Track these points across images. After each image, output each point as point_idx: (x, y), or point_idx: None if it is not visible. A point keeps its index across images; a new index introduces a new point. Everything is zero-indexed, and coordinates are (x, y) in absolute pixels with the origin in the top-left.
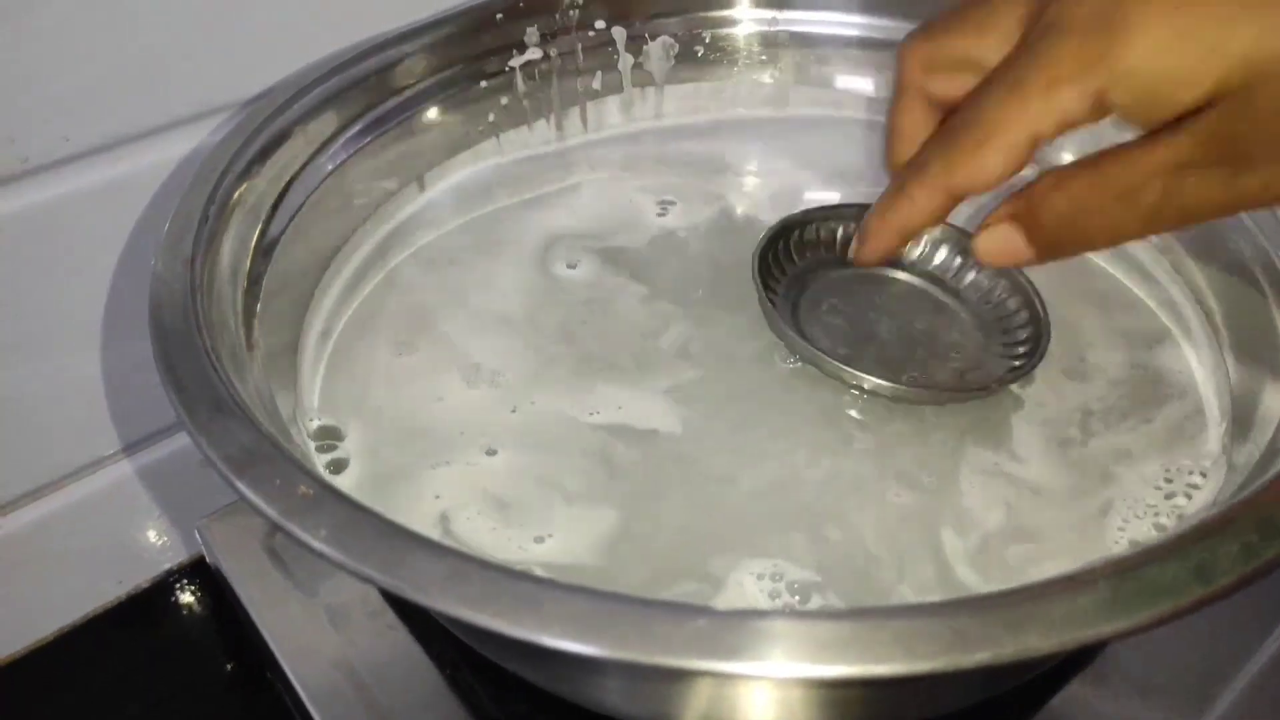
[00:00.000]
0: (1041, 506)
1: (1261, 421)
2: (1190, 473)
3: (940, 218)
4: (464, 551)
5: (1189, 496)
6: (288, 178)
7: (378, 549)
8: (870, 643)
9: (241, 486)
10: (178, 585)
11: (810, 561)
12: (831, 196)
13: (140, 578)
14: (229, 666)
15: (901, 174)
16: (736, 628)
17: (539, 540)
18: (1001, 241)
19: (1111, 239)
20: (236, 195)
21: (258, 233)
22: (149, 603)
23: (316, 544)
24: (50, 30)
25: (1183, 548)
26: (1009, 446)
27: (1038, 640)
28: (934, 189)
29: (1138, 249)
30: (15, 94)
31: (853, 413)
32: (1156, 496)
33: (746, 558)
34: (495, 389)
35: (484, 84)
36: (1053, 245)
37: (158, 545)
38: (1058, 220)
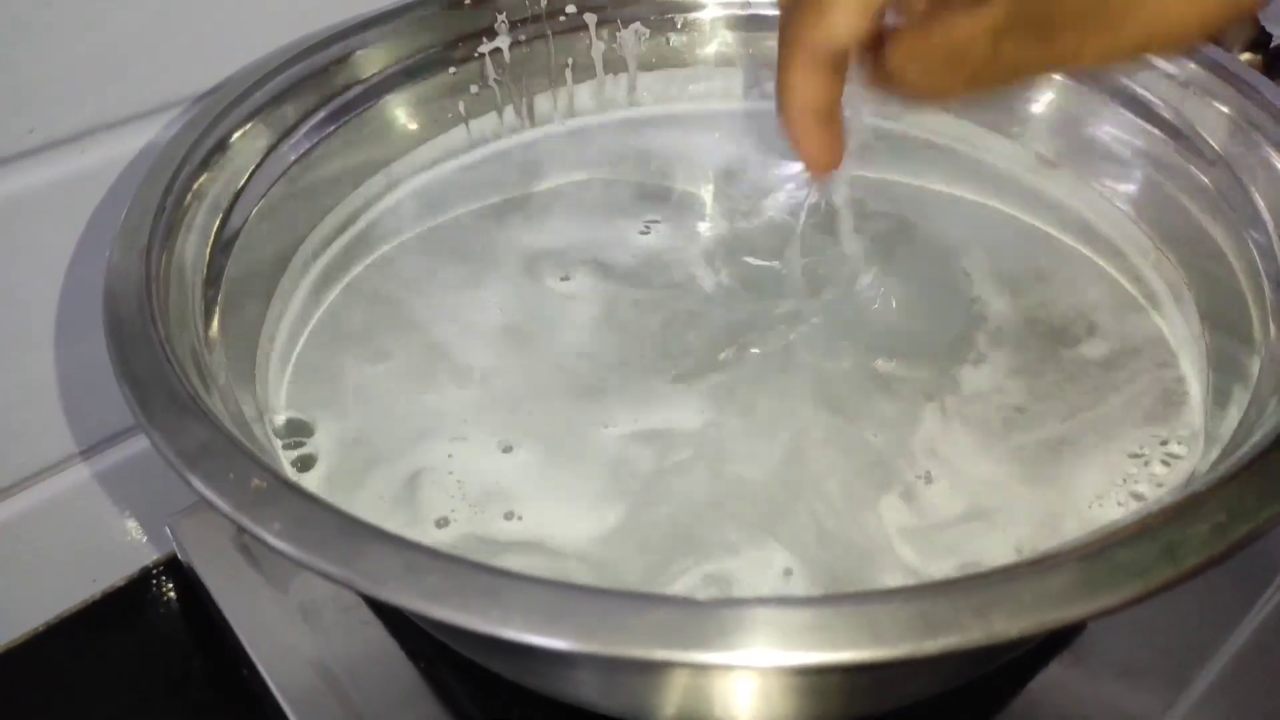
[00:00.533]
0: (1014, 479)
1: (1238, 393)
2: (1165, 442)
3: (834, 89)
4: (422, 544)
5: (1167, 465)
6: (249, 168)
7: (334, 542)
8: (838, 629)
9: (194, 481)
10: (154, 583)
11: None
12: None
13: (115, 576)
14: (205, 664)
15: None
16: (699, 616)
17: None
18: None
19: (938, 96)
20: (196, 186)
21: (218, 224)
22: (124, 601)
23: (271, 538)
24: (13, 22)
25: (1152, 529)
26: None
27: (1005, 624)
28: (801, 60)
29: (1107, 224)
30: None
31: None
32: (1135, 465)
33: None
34: (467, 384)
35: (453, 70)
36: (886, 89)
37: (132, 543)
38: (890, 73)
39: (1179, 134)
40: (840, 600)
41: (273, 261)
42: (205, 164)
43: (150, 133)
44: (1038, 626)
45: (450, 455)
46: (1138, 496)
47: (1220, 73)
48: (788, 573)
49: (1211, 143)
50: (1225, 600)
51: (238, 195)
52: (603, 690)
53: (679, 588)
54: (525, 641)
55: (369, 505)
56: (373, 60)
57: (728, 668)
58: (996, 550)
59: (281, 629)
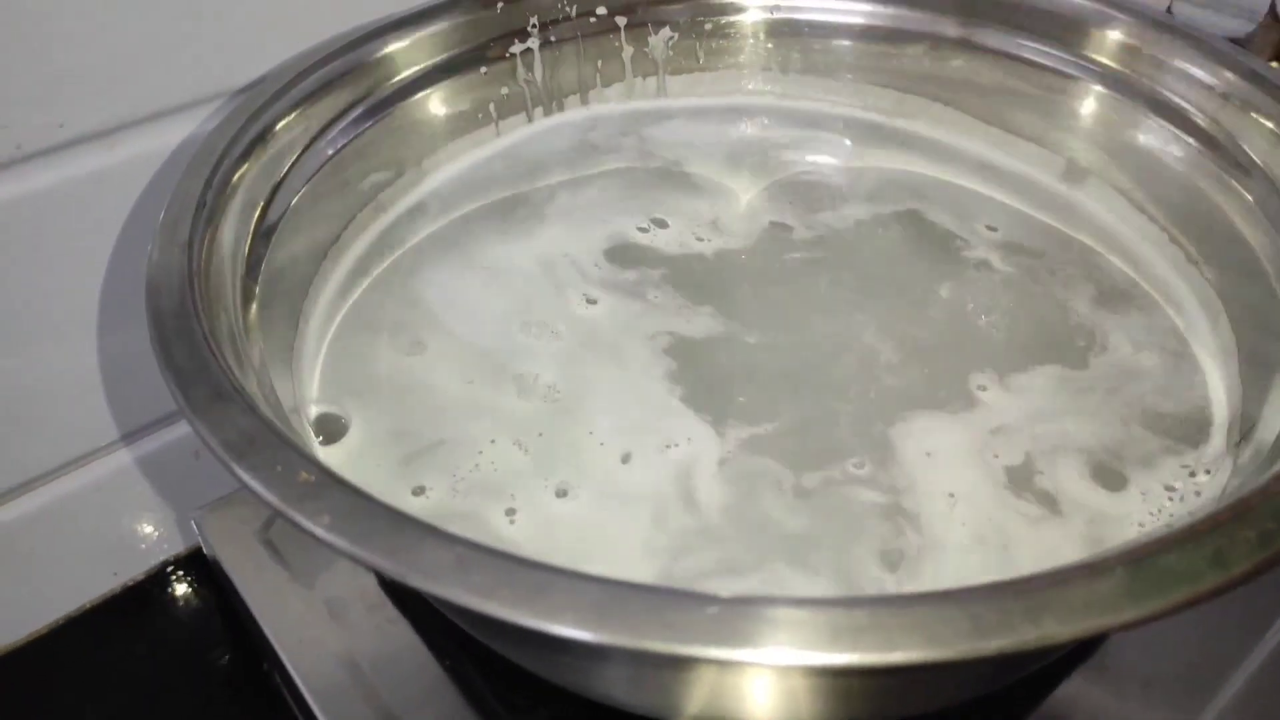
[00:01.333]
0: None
1: (1266, 421)
2: (1193, 474)
3: None
4: (471, 540)
5: (1198, 494)
6: (287, 162)
7: (383, 536)
8: (887, 629)
9: (241, 472)
10: (174, 577)
11: None
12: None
13: (136, 569)
14: (226, 658)
15: None
16: (748, 614)
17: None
18: None
19: None
20: (235, 179)
21: (256, 217)
22: (145, 594)
23: (320, 531)
24: (43, 16)
25: (1199, 535)
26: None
27: (1056, 626)
28: None
29: (1145, 244)
30: (7, 80)
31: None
32: (1158, 490)
33: None
34: (501, 382)
35: (484, 70)
36: None
37: (154, 536)
38: None
39: (1215, 144)
40: (889, 602)
41: (308, 254)
42: (244, 157)
43: (178, 128)
44: (1084, 632)
45: (481, 452)
46: (1168, 518)
47: (1258, 82)
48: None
49: (1250, 153)
50: (1248, 614)
51: (276, 189)
52: (634, 687)
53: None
54: (573, 637)
55: (401, 500)
56: (406, 58)
57: (774, 666)
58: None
59: (307, 624)
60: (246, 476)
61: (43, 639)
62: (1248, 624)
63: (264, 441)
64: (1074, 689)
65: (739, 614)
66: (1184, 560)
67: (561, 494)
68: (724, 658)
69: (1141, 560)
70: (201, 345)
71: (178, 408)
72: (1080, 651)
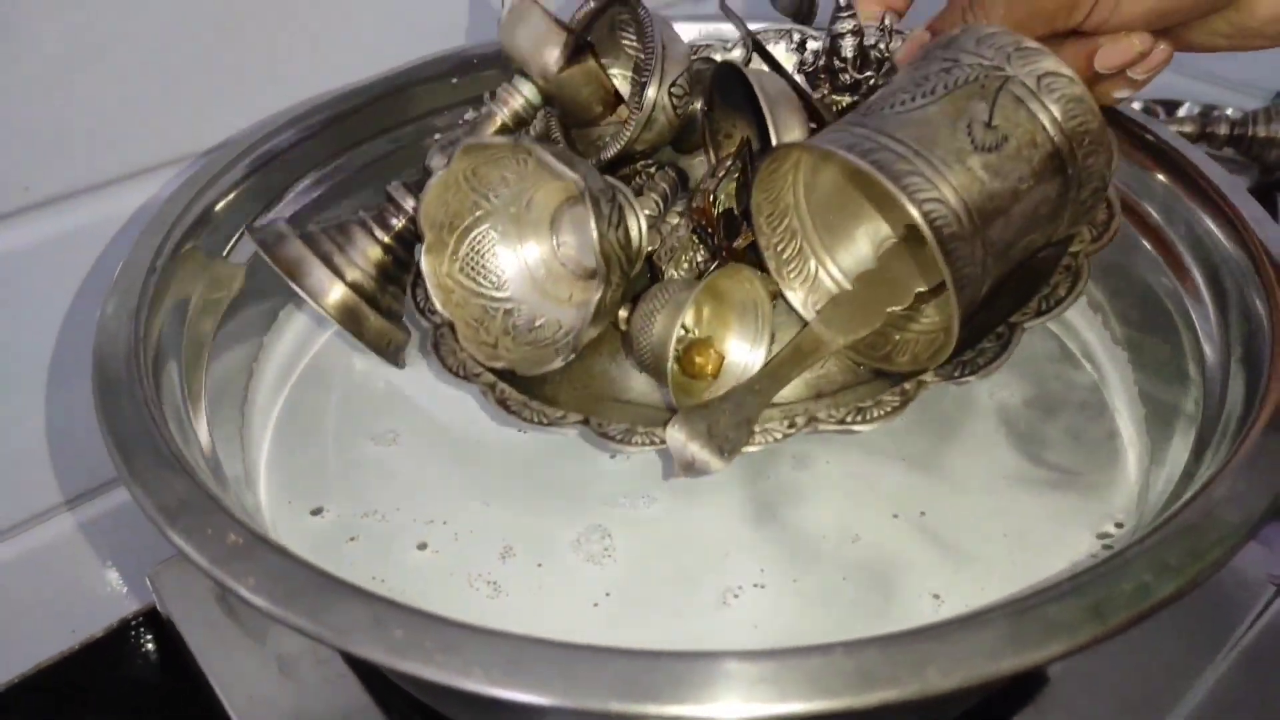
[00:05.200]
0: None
1: (1175, 453)
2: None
3: None
4: (392, 599)
5: (1119, 525)
6: (236, 231)
7: (305, 596)
8: (783, 681)
9: (173, 535)
10: (133, 634)
11: None
12: None
13: (94, 627)
14: (184, 716)
15: None
16: (653, 669)
17: None
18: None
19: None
20: (186, 248)
21: (204, 285)
22: (103, 651)
23: (245, 592)
24: (12, 83)
25: (1080, 587)
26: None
27: (939, 679)
28: None
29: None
30: None
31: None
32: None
33: None
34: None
35: (435, 138)
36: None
37: (111, 595)
38: None
39: (1124, 204)
40: (784, 654)
41: (257, 323)
42: (197, 225)
43: (140, 192)
44: (967, 680)
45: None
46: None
47: (1161, 148)
48: None
49: (1153, 212)
50: (1184, 656)
51: (226, 257)
52: None
53: None
54: (486, 693)
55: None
56: (359, 129)
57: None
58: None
59: (257, 681)
60: (178, 540)
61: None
62: (1185, 666)
63: (197, 506)
64: None
65: (645, 668)
66: (1064, 611)
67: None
68: (624, 712)
69: (1024, 612)
70: (143, 411)
71: (115, 470)
72: (1021, 695)
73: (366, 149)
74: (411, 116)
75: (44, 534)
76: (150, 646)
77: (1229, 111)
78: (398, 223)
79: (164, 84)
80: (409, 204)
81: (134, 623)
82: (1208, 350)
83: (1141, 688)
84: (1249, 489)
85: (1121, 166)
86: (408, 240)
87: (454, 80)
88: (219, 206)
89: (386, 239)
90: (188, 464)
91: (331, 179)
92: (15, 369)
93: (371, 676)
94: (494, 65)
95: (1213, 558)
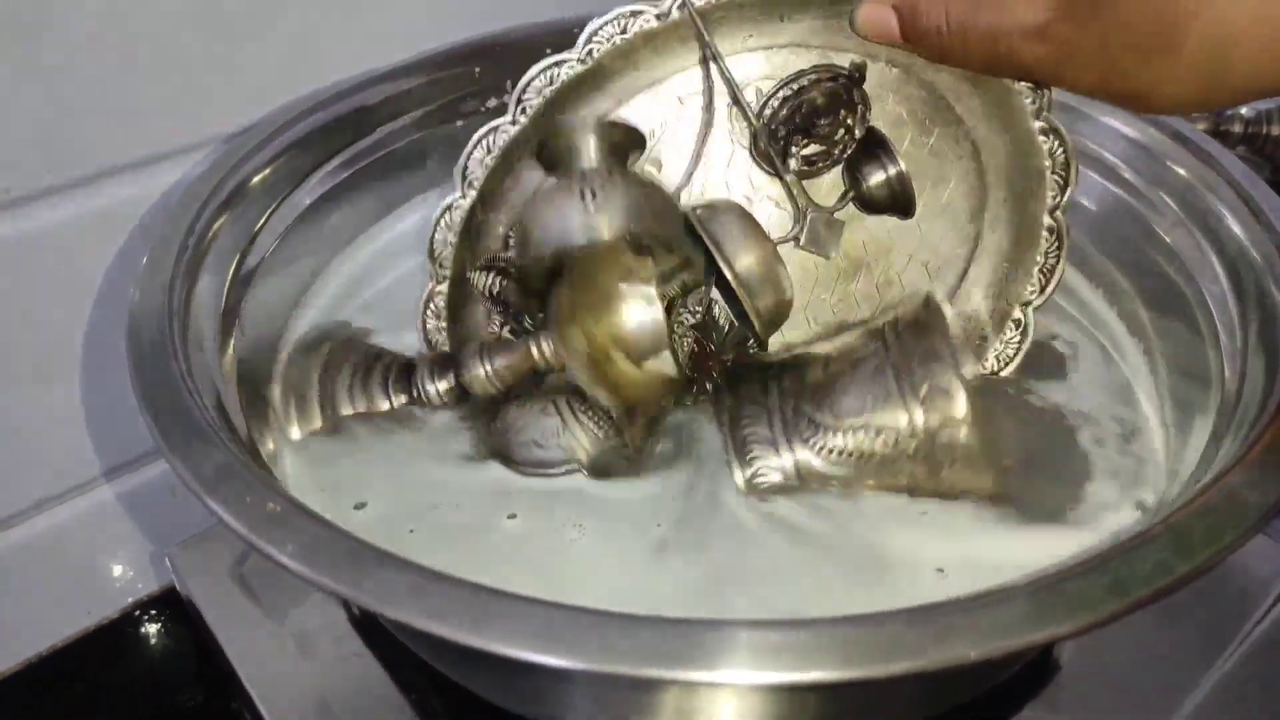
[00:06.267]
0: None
1: (1197, 436)
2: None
3: None
4: (427, 567)
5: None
6: (266, 211)
7: (343, 563)
8: (808, 650)
9: (212, 503)
10: (147, 616)
11: None
12: None
13: (109, 609)
14: (194, 698)
15: None
16: (685, 635)
17: None
18: (879, 20)
19: (962, 65)
20: (216, 227)
21: (235, 263)
22: (119, 633)
23: (283, 559)
24: (33, 65)
25: (1101, 564)
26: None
27: (965, 648)
28: None
29: (1085, 290)
30: None
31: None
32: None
33: None
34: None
35: (460, 124)
36: (916, 44)
37: (128, 575)
38: (925, 32)
39: (1142, 196)
40: (813, 624)
41: (286, 298)
42: (226, 205)
43: (163, 175)
44: (991, 653)
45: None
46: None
47: (1180, 141)
48: None
49: (1171, 204)
50: (1194, 649)
51: (255, 236)
52: (593, 712)
53: None
54: (522, 659)
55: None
56: (386, 112)
57: (709, 685)
58: None
59: (276, 659)
60: (217, 508)
61: (14, 676)
62: (1195, 657)
63: (235, 475)
64: None
65: (677, 634)
66: (1085, 587)
67: None
68: (659, 676)
69: (1046, 588)
70: (179, 383)
71: (154, 444)
72: (1030, 686)
73: (394, 131)
74: (438, 101)
75: (60, 515)
76: (163, 629)
77: (1243, 110)
78: None
79: (188, 67)
80: None
81: (147, 605)
82: (1224, 338)
83: (1151, 680)
84: (1267, 473)
85: (1140, 156)
86: None
87: (477, 69)
88: (253, 182)
89: None
90: (224, 435)
91: (361, 160)
92: (47, 350)
93: (389, 654)
94: (518, 54)
95: (1230, 538)
